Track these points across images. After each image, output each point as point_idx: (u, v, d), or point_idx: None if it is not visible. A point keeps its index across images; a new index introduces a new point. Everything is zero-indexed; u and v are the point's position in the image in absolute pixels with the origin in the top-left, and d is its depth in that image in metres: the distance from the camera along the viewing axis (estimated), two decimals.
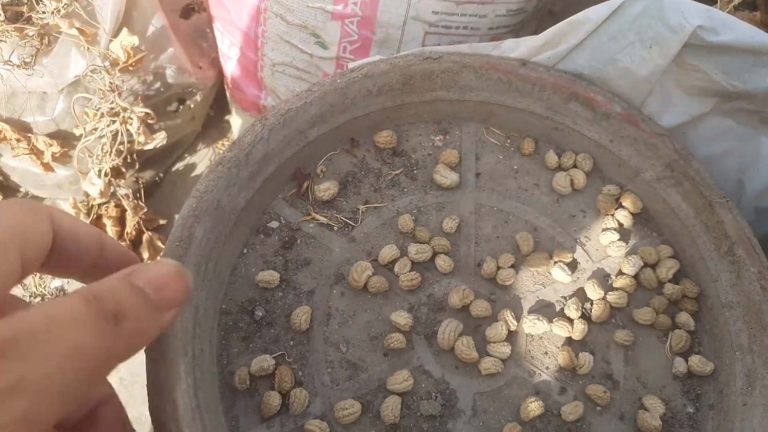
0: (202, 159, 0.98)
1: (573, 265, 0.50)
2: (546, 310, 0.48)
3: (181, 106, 0.88)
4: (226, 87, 0.92)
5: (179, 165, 0.98)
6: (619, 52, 0.51)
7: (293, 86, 0.81)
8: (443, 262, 0.48)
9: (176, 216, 0.93)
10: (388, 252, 0.48)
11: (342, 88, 0.50)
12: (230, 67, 0.86)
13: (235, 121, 0.94)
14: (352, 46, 0.75)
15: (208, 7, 0.86)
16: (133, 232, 0.86)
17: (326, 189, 0.50)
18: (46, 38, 0.78)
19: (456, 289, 0.46)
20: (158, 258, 0.37)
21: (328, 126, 0.51)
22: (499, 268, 0.48)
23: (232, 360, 0.44)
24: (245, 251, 0.48)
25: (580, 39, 0.51)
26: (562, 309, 0.48)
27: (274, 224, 0.49)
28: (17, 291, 0.87)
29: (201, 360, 0.42)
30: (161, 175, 0.96)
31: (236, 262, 0.47)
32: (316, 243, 0.49)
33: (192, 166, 0.98)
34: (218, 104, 0.99)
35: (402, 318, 0.45)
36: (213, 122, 1.00)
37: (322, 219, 0.50)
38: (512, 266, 0.48)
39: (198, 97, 0.89)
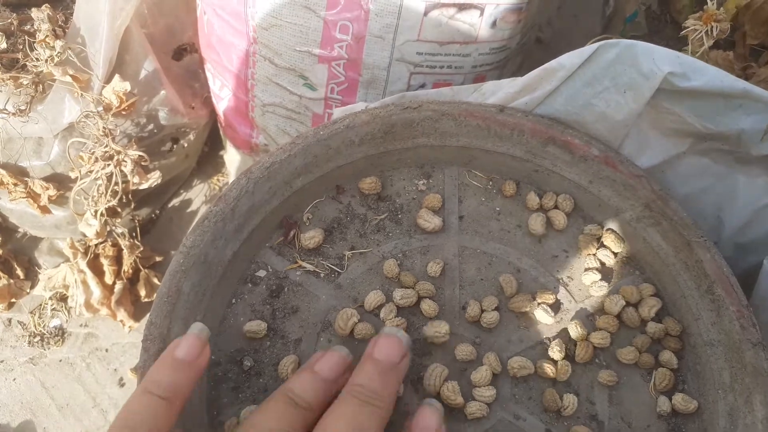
0: (198, 194, 1.00)
1: (556, 306, 0.50)
2: (530, 352, 0.49)
3: (174, 146, 0.90)
4: (219, 125, 0.94)
5: (175, 201, 0.99)
6: (595, 97, 0.52)
7: (283, 125, 0.83)
8: (428, 307, 0.49)
9: (172, 252, 0.94)
10: (373, 298, 0.49)
11: (325, 139, 0.52)
12: (222, 107, 0.88)
13: (229, 158, 0.96)
14: (339, 87, 0.77)
15: (199, 49, 0.88)
16: (130, 271, 0.87)
17: (311, 237, 0.51)
18: (41, 86, 0.80)
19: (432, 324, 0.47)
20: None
21: (313, 175, 0.53)
22: (483, 311, 0.49)
23: (222, 410, 0.45)
24: (234, 301, 0.49)
25: (556, 85, 0.53)
26: (546, 350, 0.49)
27: (262, 273, 0.50)
28: (17, 330, 0.88)
29: (191, 412, 0.43)
30: (157, 212, 0.97)
31: (225, 313, 0.48)
32: (303, 291, 0.50)
33: (188, 202, 0.99)
34: (212, 141, 1.01)
35: None
36: (207, 158, 1.02)
37: (309, 266, 0.51)
38: (496, 309, 0.49)
39: (191, 136, 0.91)
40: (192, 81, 0.92)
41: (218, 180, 1.01)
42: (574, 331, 0.49)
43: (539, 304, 0.50)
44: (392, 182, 0.55)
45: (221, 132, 0.95)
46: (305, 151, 0.51)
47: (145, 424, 0.33)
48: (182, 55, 0.93)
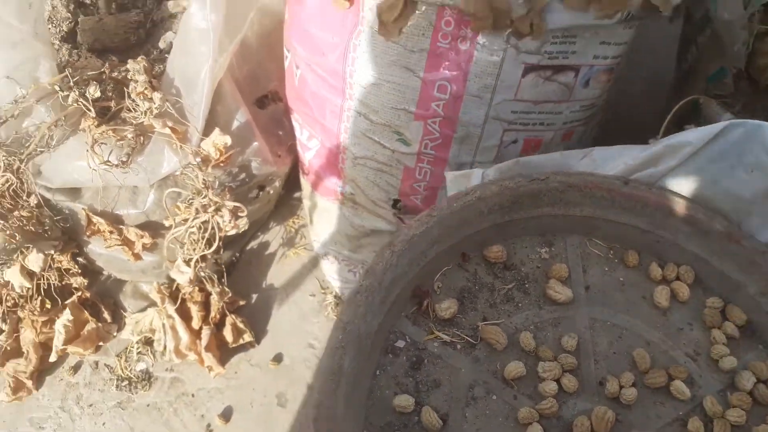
0: (275, 237, 1.02)
1: (689, 381, 0.52)
2: (668, 429, 0.50)
3: (260, 193, 0.92)
4: (301, 172, 0.96)
5: (253, 243, 1.01)
6: (720, 173, 0.54)
7: (373, 177, 0.85)
8: (568, 381, 0.50)
9: (254, 295, 0.95)
10: (514, 368, 0.50)
11: (458, 211, 0.54)
12: (309, 157, 0.90)
13: (310, 204, 0.98)
14: (433, 143, 0.79)
15: (285, 98, 0.91)
16: (218, 316, 0.89)
17: (447, 308, 0.53)
18: (141, 138, 0.83)
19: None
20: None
21: (444, 245, 0.54)
22: (621, 387, 0.50)
23: None
24: (378, 373, 0.51)
25: (681, 160, 0.54)
26: (685, 427, 0.50)
27: (401, 343, 0.52)
28: (104, 374, 0.90)
29: None
30: (237, 254, 1.00)
31: (371, 385, 0.50)
32: (443, 363, 0.51)
33: (265, 245, 1.01)
34: (288, 183, 1.03)
35: None
36: (283, 201, 1.04)
37: (446, 337, 0.52)
38: (633, 385, 0.50)
39: (277, 183, 0.93)
40: (276, 129, 0.95)
41: (294, 222, 1.03)
42: (710, 407, 0.50)
43: (673, 379, 0.51)
44: (515, 250, 0.57)
45: (302, 178, 0.97)
46: (440, 223, 0.53)
47: None
48: (264, 104, 0.96)
